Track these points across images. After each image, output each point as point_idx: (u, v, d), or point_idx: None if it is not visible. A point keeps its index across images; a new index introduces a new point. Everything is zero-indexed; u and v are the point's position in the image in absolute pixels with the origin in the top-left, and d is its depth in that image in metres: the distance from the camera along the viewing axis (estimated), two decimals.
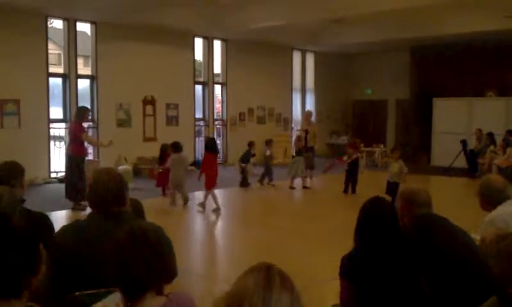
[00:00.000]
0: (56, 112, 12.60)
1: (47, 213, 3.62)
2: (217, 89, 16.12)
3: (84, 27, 13.26)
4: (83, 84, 13.01)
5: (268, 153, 12.17)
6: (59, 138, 12.73)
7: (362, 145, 13.69)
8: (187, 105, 14.80)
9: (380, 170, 13.80)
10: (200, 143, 14.97)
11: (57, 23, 13.15)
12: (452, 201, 9.01)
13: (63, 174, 9.92)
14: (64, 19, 12.24)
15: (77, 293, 2.31)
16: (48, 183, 11.74)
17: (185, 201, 9.47)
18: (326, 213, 9.25)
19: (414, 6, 11.58)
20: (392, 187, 8.85)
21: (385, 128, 19.22)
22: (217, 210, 9.03)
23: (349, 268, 2.77)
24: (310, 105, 18.28)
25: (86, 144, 9.37)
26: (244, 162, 11.86)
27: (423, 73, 17.08)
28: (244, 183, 11.77)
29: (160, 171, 10.43)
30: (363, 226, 2.85)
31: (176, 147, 9.67)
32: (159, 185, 10.50)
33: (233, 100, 16.06)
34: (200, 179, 9.25)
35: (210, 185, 9.16)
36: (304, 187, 11.68)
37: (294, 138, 15.98)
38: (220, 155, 15.78)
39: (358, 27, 14.52)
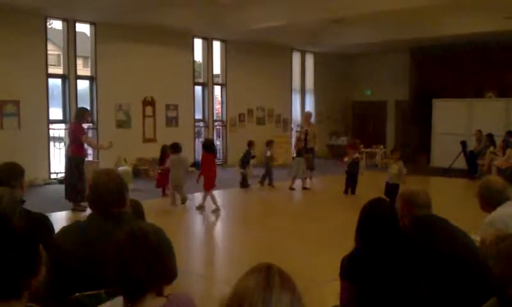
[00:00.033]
0: (56, 113, 12.59)
1: (47, 214, 3.62)
2: (217, 90, 16.12)
3: (83, 28, 13.26)
4: (82, 85, 13.01)
5: (269, 153, 12.17)
6: (59, 139, 12.72)
7: (362, 146, 13.69)
8: (186, 106, 14.81)
9: (380, 171, 13.80)
10: (200, 144, 14.96)
11: (56, 24, 13.15)
12: (451, 202, 9.00)
13: (63, 175, 9.91)
14: (64, 20, 12.24)
15: (77, 294, 2.32)
16: (48, 184, 11.74)
17: (183, 201, 9.49)
18: (326, 214, 9.25)
19: (414, 7, 11.58)
20: (391, 188, 8.84)
21: (385, 129, 19.24)
22: (216, 211, 9.03)
23: (350, 269, 2.78)
24: (310, 106, 18.29)
25: (85, 145, 9.37)
26: (244, 164, 11.87)
27: (423, 74, 17.09)
28: (244, 184, 11.78)
29: (160, 172, 10.45)
30: (364, 226, 2.86)
31: (176, 148, 9.68)
32: (159, 185, 10.51)
33: (233, 100, 16.07)
34: (199, 181, 9.26)
35: (208, 187, 9.16)
36: (304, 188, 11.68)
37: (293, 139, 16.00)
38: (220, 156, 15.80)
39: (358, 28, 14.53)
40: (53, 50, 15.09)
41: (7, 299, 1.62)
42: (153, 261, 1.87)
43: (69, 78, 12.39)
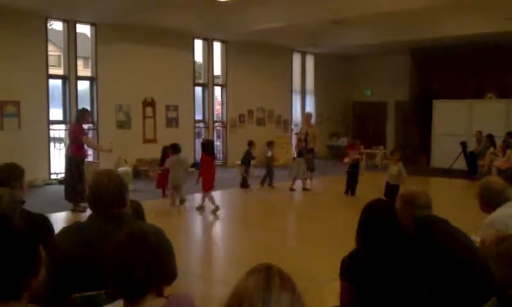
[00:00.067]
0: (56, 113, 12.59)
1: (47, 214, 3.62)
2: (217, 90, 16.13)
3: (83, 29, 13.27)
4: (83, 86, 13.01)
5: (269, 154, 12.18)
6: (59, 140, 12.73)
7: (362, 147, 13.69)
8: (187, 106, 14.81)
9: (380, 171, 13.80)
10: (200, 145, 14.97)
11: (57, 25, 13.16)
12: (451, 203, 9.00)
13: (63, 175, 9.92)
14: (64, 21, 12.25)
15: (76, 294, 2.32)
16: (48, 184, 11.74)
17: (182, 201, 9.49)
18: (326, 215, 9.25)
19: (414, 8, 11.59)
20: (391, 189, 8.84)
21: (385, 129, 19.24)
22: (216, 210, 9.00)
23: (350, 269, 2.78)
24: (310, 107, 18.29)
25: (85, 146, 9.37)
26: (246, 165, 11.89)
27: (423, 75, 17.10)
28: (244, 185, 11.79)
29: (160, 172, 10.45)
30: (365, 227, 2.86)
31: (175, 148, 9.70)
32: (159, 186, 10.51)
33: (233, 101, 16.07)
34: (199, 181, 9.26)
35: (207, 188, 9.15)
36: (304, 189, 11.68)
37: (293, 140, 16.01)
38: (220, 157, 15.80)
39: (359, 29, 14.54)
40: (53, 51, 15.08)
41: (7, 299, 1.62)
42: (153, 261, 1.87)
43: (69, 79, 12.39)
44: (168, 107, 14.36)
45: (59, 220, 7.87)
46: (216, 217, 8.93)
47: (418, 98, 17.06)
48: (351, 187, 10.87)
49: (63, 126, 12.44)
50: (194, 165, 13.92)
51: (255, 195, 11.46)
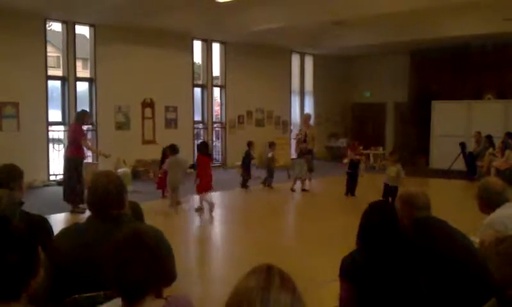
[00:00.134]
0: (55, 114, 12.58)
1: (46, 216, 3.62)
2: (216, 91, 16.13)
3: (82, 30, 13.25)
4: (82, 87, 13.00)
5: (270, 155, 12.19)
6: (58, 141, 12.71)
7: (361, 148, 13.70)
8: (186, 107, 14.81)
9: (378, 172, 13.79)
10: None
11: (56, 26, 13.15)
12: (451, 204, 9.00)
13: (62, 177, 9.90)
14: (63, 22, 12.25)
15: (75, 296, 2.31)
16: (47, 185, 11.73)
17: (177, 204, 9.47)
18: (326, 215, 9.25)
19: (413, 9, 11.59)
20: (390, 190, 8.85)
21: (384, 131, 19.25)
22: (211, 207, 8.92)
23: (350, 269, 2.78)
24: (309, 108, 18.30)
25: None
26: (246, 166, 11.89)
27: (422, 75, 17.11)
28: (245, 185, 11.79)
29: (160, 176, 10.43)
30: (365, 228, 2.86)
31: (173, 149, 9.69)
32: (160, 187, 10.51)
33: (232, 102, 16.07)
34: (196, 182, 9.24)
35: (201, 189, 9.12)
36: (303, 190, 11.68)
37: (293, 141, 16.00)
38: (219, 158, 15.80)
39: (358, 30, 14.54)
40: (52, 52, 15.10)
41: (6, 300, 1.62)
42: (152, 263, 1.86)
43: (68, 80, 12.39)
44: (167, 108, 14.36)
45: (58, 221, 7.87)
46: (212, 213, 8.86)
47: (417, 99, 17.08)
48: (351, 188, 10.87)
49: (62, 128, 12.43)
50: (193, 166, 13.91)
51: (254, 196, 11.46)
